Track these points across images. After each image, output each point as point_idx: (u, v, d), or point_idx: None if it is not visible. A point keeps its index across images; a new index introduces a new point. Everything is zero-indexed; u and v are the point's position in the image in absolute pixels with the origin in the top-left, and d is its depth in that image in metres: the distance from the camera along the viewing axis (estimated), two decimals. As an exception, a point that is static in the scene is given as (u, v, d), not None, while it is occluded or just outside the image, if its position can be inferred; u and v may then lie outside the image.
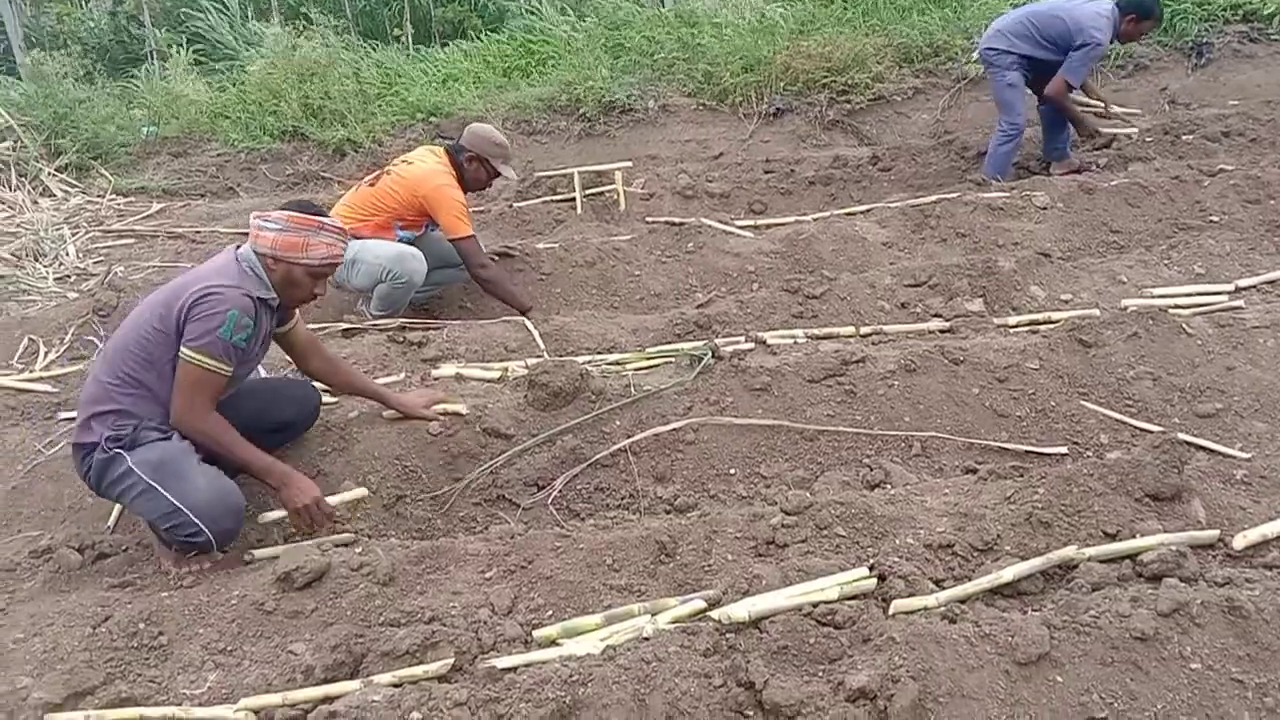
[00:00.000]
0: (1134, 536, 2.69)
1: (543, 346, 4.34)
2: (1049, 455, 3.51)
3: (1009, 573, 2.55)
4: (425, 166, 4.83)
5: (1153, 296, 4.39)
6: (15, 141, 8.13)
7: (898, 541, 2.73)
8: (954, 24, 8.52)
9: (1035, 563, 2.59)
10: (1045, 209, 5.50)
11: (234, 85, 9.21)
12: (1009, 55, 6.26)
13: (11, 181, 7.79)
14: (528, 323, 4.49)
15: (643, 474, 3.56)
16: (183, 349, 3.02)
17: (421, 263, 4.70)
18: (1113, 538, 2.72)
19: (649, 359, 4.09)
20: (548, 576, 2.76)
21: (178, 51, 9.83)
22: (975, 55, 6.62)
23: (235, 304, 3.03)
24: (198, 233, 7.02)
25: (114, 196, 7.84)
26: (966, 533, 2.75)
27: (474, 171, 4.91)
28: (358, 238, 4.62)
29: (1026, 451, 3.54)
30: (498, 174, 4.97)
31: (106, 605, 2.83)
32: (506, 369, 4.11)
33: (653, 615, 2.54)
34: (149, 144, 8.67)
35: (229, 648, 2.69)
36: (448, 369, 4.13)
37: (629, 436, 3.63)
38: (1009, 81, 6.31)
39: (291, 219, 3.15)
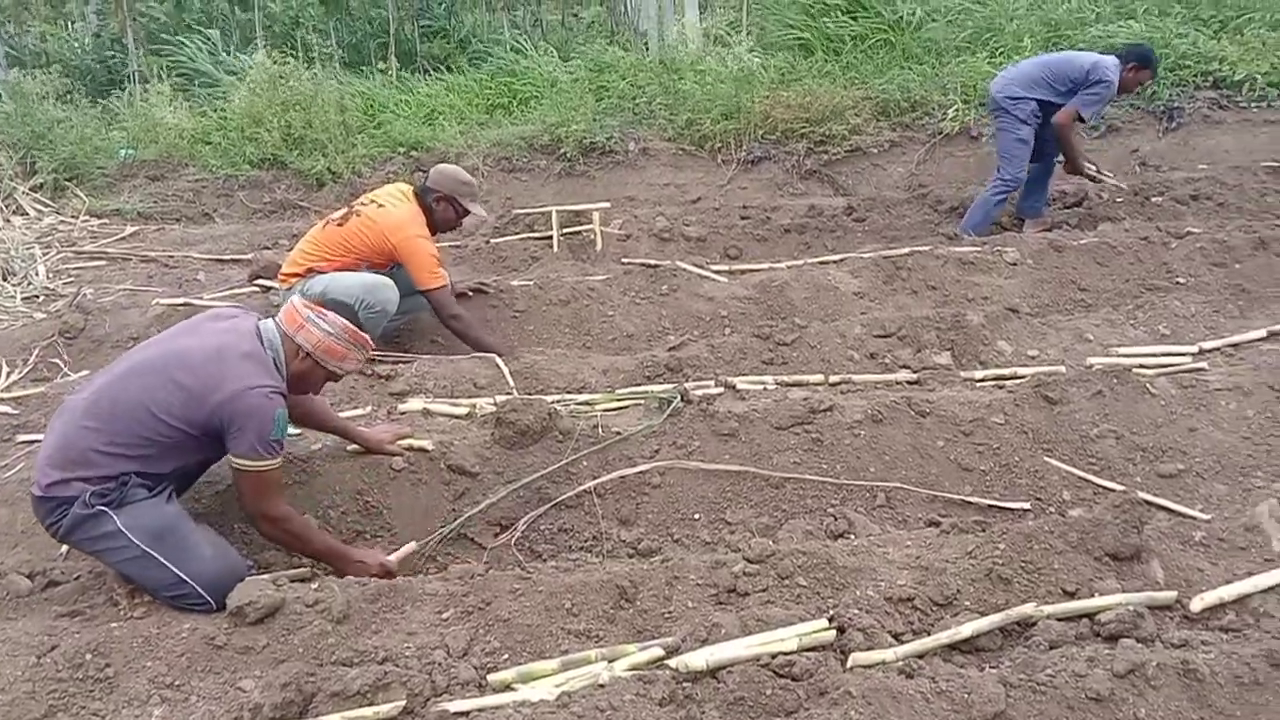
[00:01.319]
0: (1093, 595, 2.70)
1: (512, 384, 4.33)
2: (1011, 510, 3.53)
3: (968, 628, 2.55)
4: (396, 213, 4.77)
5: (1118, 355, 4.44)
6: (-10, 159, 8.08)
7: (858, 593, 2.72)
8: (932, 80, 8.67)
9: (994, 619, 2.59)
10: (1015, 264, 5.57)
11: (215, 111, 9.20)
12: (1027, 103, 6.30)
13: (-16, 200, 7.74)
14: (498, 360, 4.48)
15: (607, 516, 3.54)
16: (239, 460, 2.99)
17: (394, 291, 4.68)
18: (1072, 595, 2.72)
19: (618, 400, 4.08)
20: (505, 619, 2.73)
21: (160, 77, 9.83)
22: (991, 102, 6.58)
23: (275, 404, 3.00)
24: (170, 257, 6.99)
25: (88, 218, 7.79)
26: (927, 586, 2.74)
27: (443, 211, 4.90)
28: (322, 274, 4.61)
29: (989, 506, 3.55)
30: (467, 212, 4.96)
31: (53, 634, 2.77)
32: (475, 406, 4.09)
33: (610, 662, 2.52)
34: (126, 166, 8.63)
35: (177, 682, 2.63)
36: (415, 404, 4.11)
37: (595, 478, 3.62)
38: (1021, 136, 6.34)
39: (348, 330, 3.17)
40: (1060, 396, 3.90)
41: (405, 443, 3.69)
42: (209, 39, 10.60)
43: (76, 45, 11.55)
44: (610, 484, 3.60)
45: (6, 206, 7.78)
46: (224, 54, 10.36)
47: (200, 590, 2.90)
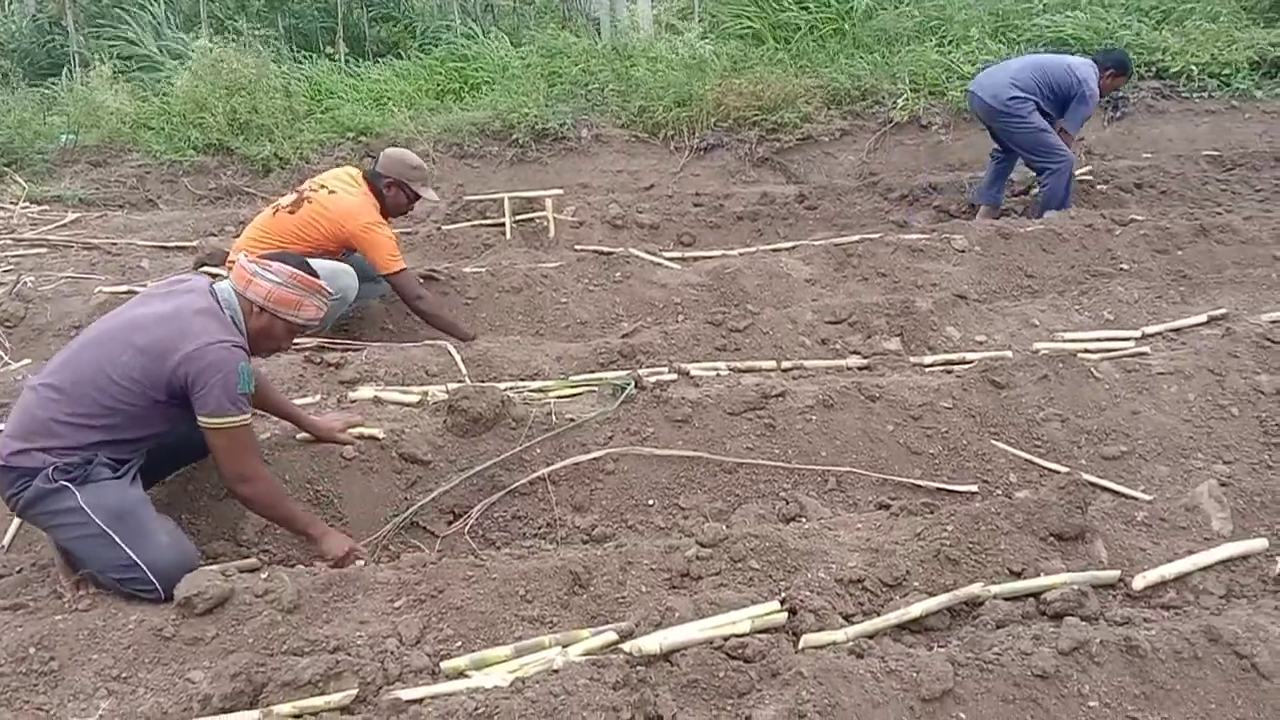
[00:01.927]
0: (1039, 575, 2.76)
1: (465, 371, 4.30)
2: (959, 493, 3.58)
3: (917, 609, 2.59)
4: (349, 200, 4.73)
5: (1063, 340, 4.52)
6: (-76, 143, 7.85)
7: (810, 575, 2.75)
8: (882, 69, 8.74)
9: (942, 599, 2.63)
10: (963, 252, 5.65)
11: (158, 96, 9.01)
12: (1029, 101, 6.27)
13: (-82, 185, 7.52)
14: (450, 347, 4.45)
15: (561, 503, 3.54)
16: (206, 419, 2.95)
17: (354, 278, 4.64)
18: (1018, 575, 2.78)
19: (572, 387, 4.08)
20: (458, 606, 2.72)
21: (100, 60, 9.59)
22: (986, 111, 6.48)
23: (238, 357, 2.98)
24: (114, 244, 6.83)
25: (27, 204, 7.59)
26: (877, 568, 2.78)
27: (394, 197, 4.89)
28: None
29: (938, 489, 3.60)
30: (418, 197, 4.94)
31: (-6, 629, 2.72)
32: (426, 393, 4.06)
33: (564, 647, 2.52)
34: (67, 152, 8.43)
35: (124, 675, 2.60)
36: (365, 391, 4.07)
37: (548, 464, 3.62)
38: (1039, 125, 6.28)
39: (295, 277, 3.14)
40: (1007, 381, 3.96)
41: (356, 431, 3.66)
42: (153, 15, 10.33)
43: (14, 28, 11.23)
44: (564, 471, 3.59)
45: (-59, 193, 7.57)
46: (166, 33, 10.11)
47: (151, 576, 2.87)
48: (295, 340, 3.51)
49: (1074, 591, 2.62)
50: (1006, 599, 2.67)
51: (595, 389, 4.04)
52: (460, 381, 4.18)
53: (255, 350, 3.23)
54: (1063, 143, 6.35)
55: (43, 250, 6.77)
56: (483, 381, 4.19)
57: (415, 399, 4.02)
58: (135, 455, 3.11)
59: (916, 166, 8.05)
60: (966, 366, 4.21)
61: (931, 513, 3.15)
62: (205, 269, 5.56)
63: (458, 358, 4.36)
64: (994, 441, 3.80)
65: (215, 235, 6.81)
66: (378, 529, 3.45)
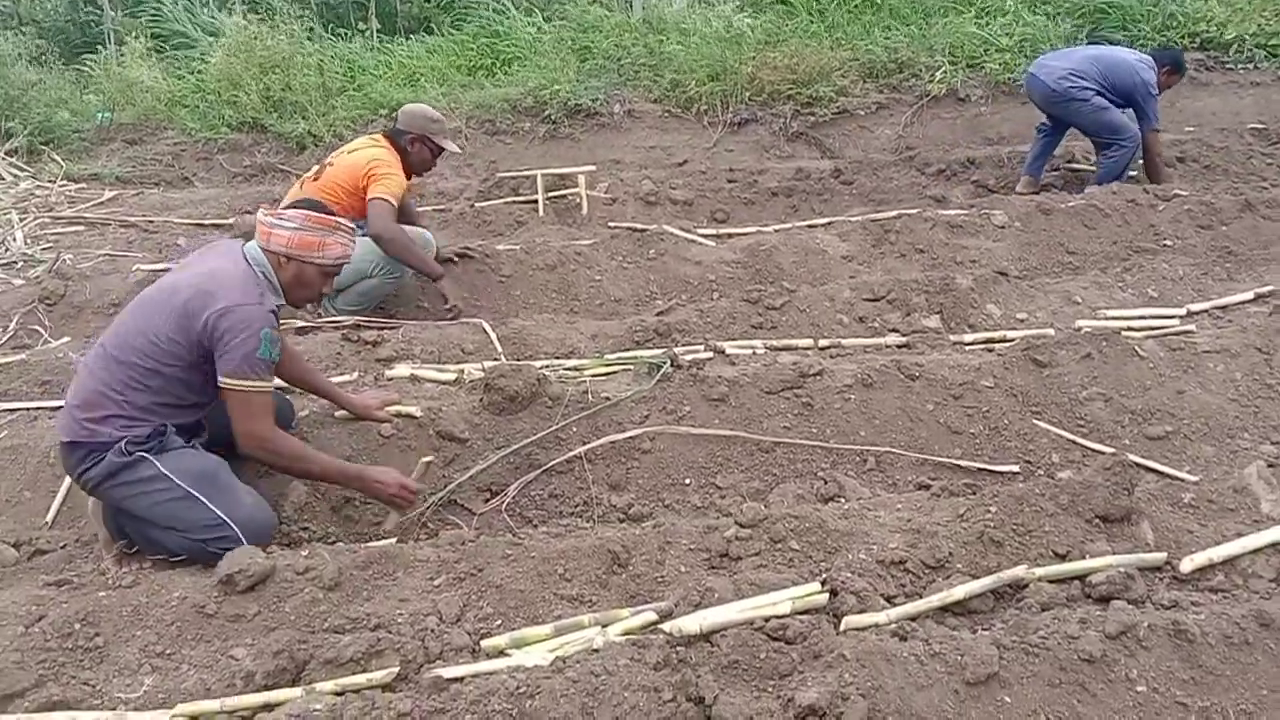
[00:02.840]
0: (1083, 557, 2.71)
1: (500, 350, 4.30)
2: (1001, 473, 3.54)
3: (960, 591, 2.56)
4: (369, 152, 4.78)
5: (1106, 318, 4.44)
6: (-36, 123, 7.93)
7: (850, 557, 2.72)
8: (919, 41, 8.61)
9: (986, 581, 2.59)
10: (1003, 228, 5.56)
11: (193, 74, 9.04)
12: (1089, 87, 6.18)
13: (-42, 164, 7.60)
14: (485, 325, 4.44)
15: (598, 481, 3.53)
16: (225, 380, 2.98)
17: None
18: (1063, 558, 2.74)
19: (607, 365, 4.06)
20: (498, 585, 2.72)
21: (136, 37, 9.63)
22: (1050, 95, 6.34)
23: (264, 322, 3.00)
24: (150, 222, 6.88)
25: (65, 183, 7.65)
26: (919, 549, 2.75)
27: (418, 153, 4.91)
28: None
29: (979, 469, 3.56)
30: (441, 150, 4.95)
31: (41, 604, 2.74)
32: (463, 371, 4.06)
33: (603, 627, 2.52)
34: (103, 130, 8.49)
35: (167, 651, 2.62)
36: (402, 369, 4.08)
37: (585, 443, 3.61)
38: (1102, 105, 6.20)
39: (309, 218, 3.13)
40: (1049, 359, 3.90)
41: (393, 409, 3.66)
42: (188, -6, 10.37)
43: (49, 6, 11.30)
44: (600, 449, 3.58)
45: (-18, 171, 7.65)
46: (200, 10, 10.13)
47: (240, 533, 2.94)
48: (335, 322, 3.52)
49: (1120, 574, 2.58)
50: (1051, 581, 2.63)
51: (631, 368, 4.02)
52: (496, 360, 4.17)
53: (294, 301, 3.27)
54: (1128, 122, 6.26)
55: (80, 228, 6.84)
56: (518, 360, 4.18)
57: (452, 377, 4.03)
58: (193, 425, 3.16)
59: (954, 140, 7.93)
60: (1008, 345, 4.15)
61: (973, 494, 3.11)
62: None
63: (493, 336, 4.35)
64: (1036, 421, 3.74)
65: (251, 212, 6.83)
66: (418, 504, 3.46)
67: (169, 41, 10.01)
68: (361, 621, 2.62)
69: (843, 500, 3.36)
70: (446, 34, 9.84)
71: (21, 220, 6.80)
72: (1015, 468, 3.57)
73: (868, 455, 3.61)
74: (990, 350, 4.14)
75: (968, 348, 4.23)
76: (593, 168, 6.90)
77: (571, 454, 3.56)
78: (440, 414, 3.67)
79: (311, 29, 9.70)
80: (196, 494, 2.97)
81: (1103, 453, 3.54)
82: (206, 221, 6.88)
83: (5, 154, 7.90)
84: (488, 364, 4.07)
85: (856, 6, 9.25)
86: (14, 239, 6.51)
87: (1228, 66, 8.09)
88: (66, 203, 7.29)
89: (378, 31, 10.16)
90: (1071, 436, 3.67)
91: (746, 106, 8.28)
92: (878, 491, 3.47)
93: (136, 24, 10.17)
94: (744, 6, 9.34)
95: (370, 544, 3.21)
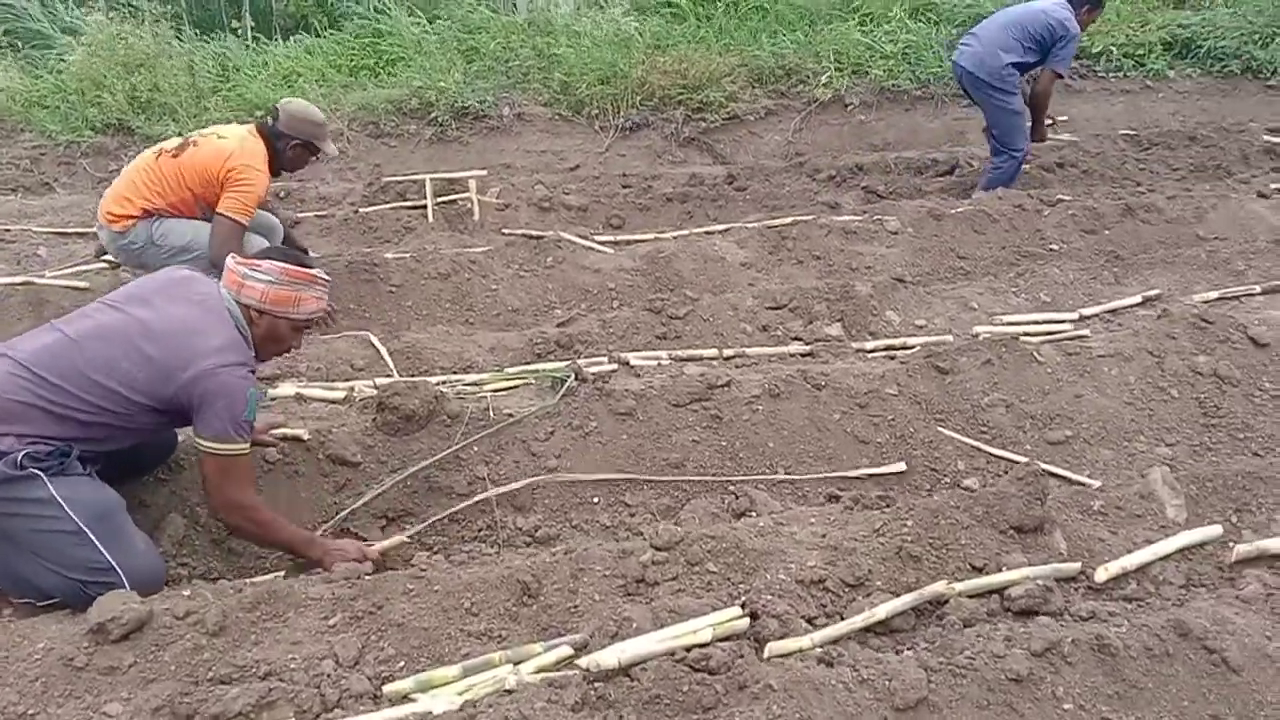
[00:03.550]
0: (1001, 569, 2.69)
1: (392, 365, 4.09)
2: (890, 474, 3.52)
3: (883, 610, 2.50)
4: (236, 147, 4.44)
5: (1003, 324, 4.49)
6: None
7: (770, 577, 2.64)
8: (805, 47, 8.67)
9: (908, 599, 2.54)
10: (896, 234, 5.60)
11: (51, 73, 8.46)
12: (1010, 72, 6.15)
13: None
14: (374, 340, 4.23)
15: (501, 503, 3.37)
16: (206, 444, 2.79)
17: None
18: (980, 571, 2.71)
19: (508, 380, 3.90)
20: (399, 623, 2.53)
21: (-15, 33, 8.99)
22: (967, 79, 6.33)
23: (249, 383, 2.82)
24: (7, 230, 6.38)
25: (-93, 188, 7.06)
26: (838, 567, 2.68)
27: (295, 155, 4.65)
28: (152, 208, 4.40)
29: (870, 475, 3.52)
30: (318, 151, 4.72)
31: (-117, 658, 2.46)
32: (352, 389, 3.85)
33: (515, 664, 2.37)
34: (-49, 131, 7.86)
35: (30, 711, 2.35)
36: (287, 389, 3.84)
37: (487, 463, 3.45)
38: (1014, 108, 6.23)
39: (286, 272, 2.92)
40: (951, 366, 3.91)
41: (279, 432, 3.44)
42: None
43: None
44: (504, 468, 3.43)
45: None
46: (58, 6, 9.50)
47: (125, 582, 2.69)
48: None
49: (1039, 587, 2.56)
50: (971, 596, 2.60)
51: (533, 381, 3.87)
52: (388, 376, 3.97)
53: (263, 355, 3.06)
54: (1022, 140, 6.33)
55: (-72, 238, 6.30)
56: (412, 375, 3.99)
57: (341, 395, 3.81)
58: (102, 456, 2.89)
59: (841, 146, 8.01)
60: (909, 352, 4.16)
61: (887, 506, 3.06)
62: (106, 257, 5.22)
63: (384, 350, 4.14)
64: (940, 428, 3.74)
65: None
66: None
67: (24, 40, 9.37)
68: (250, 669, 2.41)
69: (754, 514, 3.29)
70: (326, 34, 9.47)
71: None
72: (902, 466, 3.55)
73: (777, 467, 3.55)
74: (892, 358, 4.13)
75: (870, 355, 4.22)
76: (483, 172, 6.70)
77: (480, 496, 3.34)
78: (330, 436, 3.46)
79: (180, 28, 9.20)
80: (88, 531, 2.71)
81: (1007, 459, 3.56)
82: (69, 230, 6.41)
83: None
84: (380, 380, 3.87)
85: (743, 13, 9.27)
86: None
87: (1099, 75, 8.39)
88: (-88, 210, 6.71)
89: (252, 29, 9.71)
90: (976, 443, 3.68)
91: (638, 111, 8.20)
92: (789, 504, 3.41)
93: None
94: (630, 10, 9.26)
95: (256, 580, 3.00)
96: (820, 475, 3.51)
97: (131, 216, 4.42)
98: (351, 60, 9.08)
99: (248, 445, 2.87)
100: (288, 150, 4.59)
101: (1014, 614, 2.54)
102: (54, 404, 2.72)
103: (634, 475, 3.45)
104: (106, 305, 2.94)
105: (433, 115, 7.99)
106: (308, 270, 2.99)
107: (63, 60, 8.45)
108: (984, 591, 2.62)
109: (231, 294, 2.94)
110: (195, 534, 3.20)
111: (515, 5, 9.86)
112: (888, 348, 4.29)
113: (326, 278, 3.08)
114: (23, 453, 2.66)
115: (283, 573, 3.10)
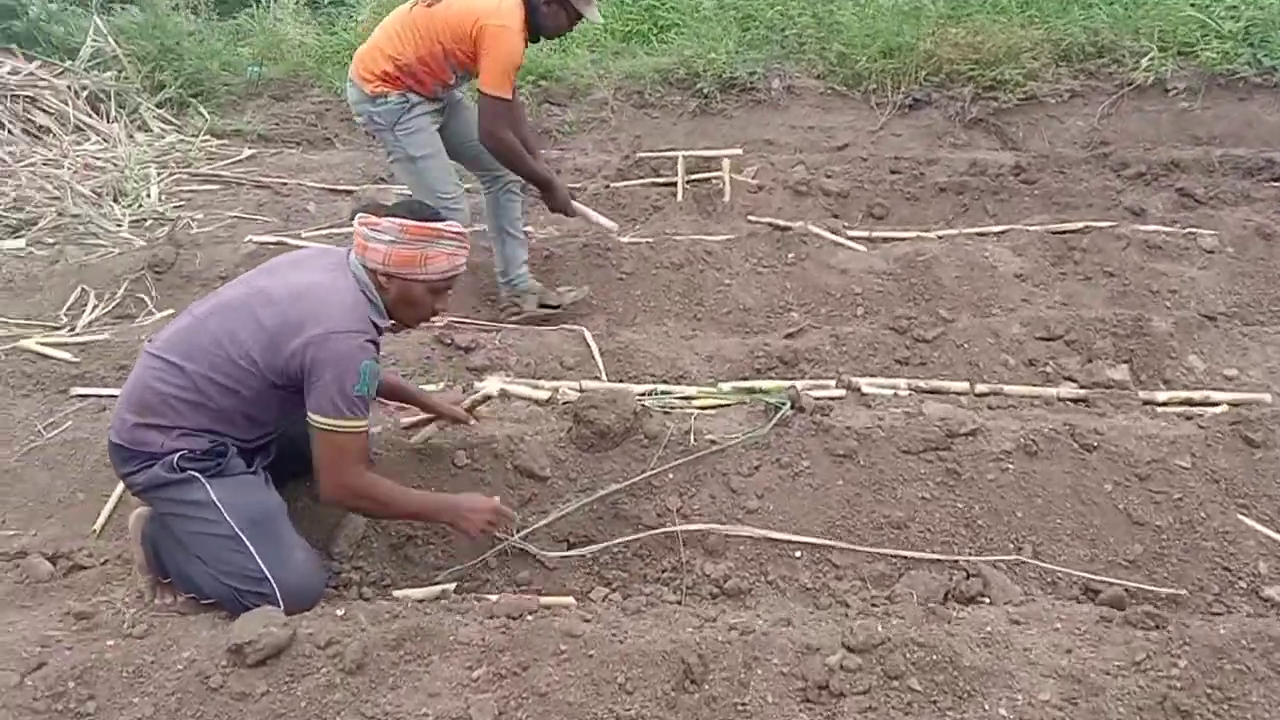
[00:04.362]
0: (1306, 748, 2.04)
1: (602, 367, 3.82)
2: (1165, 594, 2.83)
3: (1131, 786, 1.94)
4: (500, 3, 4.03)
5: (1344, 384, 3.61)
6: (120, 72, 7.95)
7: (985, 708, 2.14)
8: (1124, 22, 7.55)
9: (1168, 775, 1.97)
10: (1213, 253, 4.68)
11: (344, 30, 8.85)
12: None
13: (110, 113, 7.61)
14: (589, 336, 3.97)
15: (691, 544, 3.02)
16: (317, 419, 2.60)
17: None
18: (1275, 744, 2.07)
19: (718, 398, 3.53)
20: (543, 693, 2.25)
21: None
22: None
23: (365, 355, 2.62)
24: (284, 184, 6.70)
25: (208, 137, 7.57)
26: (1078, 709, 2.13)
27: (553, 16, 4.15)
28: (402, 63, 4.13)
29: (1138, 589, 2.85)
30: (580, 17, 4.23)
31: (47, 646, 2.46)
32: (557, 390, 3.62)
33: (659, 773, 2.02)
34: (252, 85, 8.38)
35: (162, 727, 2.28)
36: (493, 383, 3.64)
37: (680, 494, 3.10)
38: None
39: (406, 229, 2.68)
40: (1264, 438, 3.14)
41: (480, 394, 3.32)
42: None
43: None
44: (697, 504, 3.07)
45: (132, 122, 7.65)
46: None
47: (279, 594, 2.58)
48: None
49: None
50: (1258, 782, 1.98)
51: (745, 401, 3.48)
52: (595, 378, 3.70)
53: (403, 323, 2.87)
54: None
55: (215, 187, 6.73)
56: (621, 379, 3.71)
57: (545, 395, 3.59)
58: (260, 447, 2.82)
59: (1156, 139, 6.90)
60: (1213, 411, 3.39)
61: (1158, 628, 2.43)
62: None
63: (595, 350, 3.88)
64: (1241, 515, 3.01)
65: (383, 180, 6.59)
66: (482, 548, 3.04)
67: (325, -2, 9.89)
68: (379, 720, 2.21)
69: (987, 599, 2.76)
70: (605, -3, 9.34)
71: (159, 176, 6.74)
72: (1182, 590, 2.84)
73: (1024, 543, 2.97)
74: (1189, 418, 3.39)
75: (1161, 411, 3.49)
76: (739, 151, 6.29)
77: (668, 529, 3.02)
78: (521, 445, 3.22)
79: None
80: (244, 537, 2.62)
81: (1331, 571, 2.80)
82: (339, 186, 6.65)
83: (156, 105, 7.89)
84: (585, 383, 3.61)
85: (1054, -21, 8.25)
86: (148, 195, 6.45)
87: None
88: (206, 159, 7.20)
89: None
90: (1288, 542, 2.92)
91: (921, 87, 7.44)
92: (1032, 592, 2.84)
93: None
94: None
95: (418, 593, 2.82)
96: (1076, 572, 2.88)
97: (381, 78, 4.17)
98: (627, 24, 8.90)
99: (363, 423, 2.64)
100: (543, 6, 4.12)
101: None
102: (185, 389, 2.63)
103: (842, 544, 2.97)
104: (237, 281, 2.84)
105: (698, 86, 7.64)
106: (432, 225, 2.71)
107: (353, 20, 8.80)
108: (1278, 778, 1.99)
109: (359, 258, 2.73)
110: (374, 536, 3.07)
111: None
112: (1185, 402, 3.53)
113: (457, 229, 2.77)
114: (178, 454, 2.58)
115: (453, 585, 2.92)
